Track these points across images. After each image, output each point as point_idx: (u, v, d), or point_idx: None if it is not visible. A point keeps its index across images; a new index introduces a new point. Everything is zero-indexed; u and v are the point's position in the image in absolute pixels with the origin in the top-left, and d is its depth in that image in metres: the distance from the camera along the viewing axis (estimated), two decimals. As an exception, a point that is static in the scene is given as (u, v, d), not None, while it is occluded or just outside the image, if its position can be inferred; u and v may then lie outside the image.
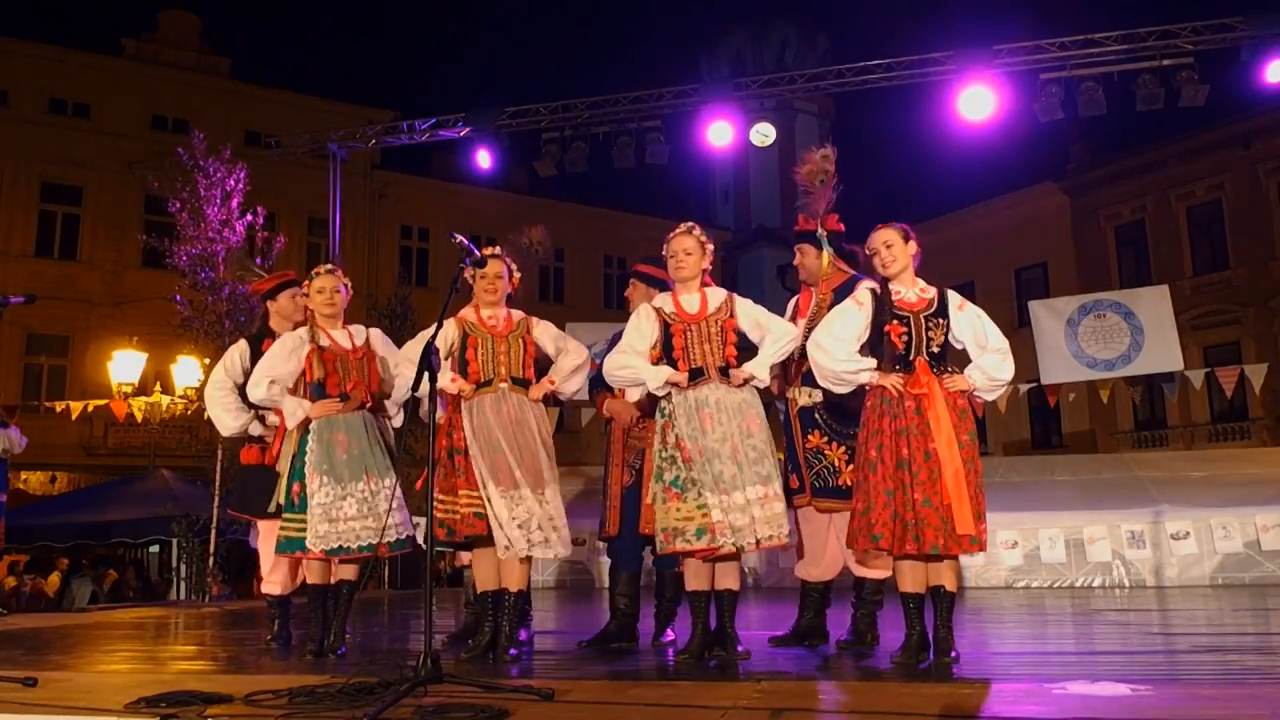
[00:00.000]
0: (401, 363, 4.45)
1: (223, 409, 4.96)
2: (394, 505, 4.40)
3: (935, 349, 3.81)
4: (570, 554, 4.45)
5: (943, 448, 3.65)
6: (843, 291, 4.27)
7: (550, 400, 4.53)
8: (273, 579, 4.97)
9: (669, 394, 3.99)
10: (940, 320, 3.84)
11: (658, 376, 3.98)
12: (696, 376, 3.96)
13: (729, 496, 3.84)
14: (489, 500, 4.09)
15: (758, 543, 3.85)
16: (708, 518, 3.82)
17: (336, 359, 4.54)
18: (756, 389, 4.06)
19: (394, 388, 4.62)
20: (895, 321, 3.82)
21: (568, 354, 4.38)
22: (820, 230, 4.46)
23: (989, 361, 3.84)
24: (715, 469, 3.85)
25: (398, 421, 4.72)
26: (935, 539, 3.59)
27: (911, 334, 3.80)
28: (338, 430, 4.45)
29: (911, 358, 3.78)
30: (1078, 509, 10.19)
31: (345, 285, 4.71)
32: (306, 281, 4.71)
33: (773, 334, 4.04)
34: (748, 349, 4.11)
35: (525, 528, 4.08)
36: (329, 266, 4.75)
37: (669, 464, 3.92)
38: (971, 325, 3.88)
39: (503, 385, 4.23)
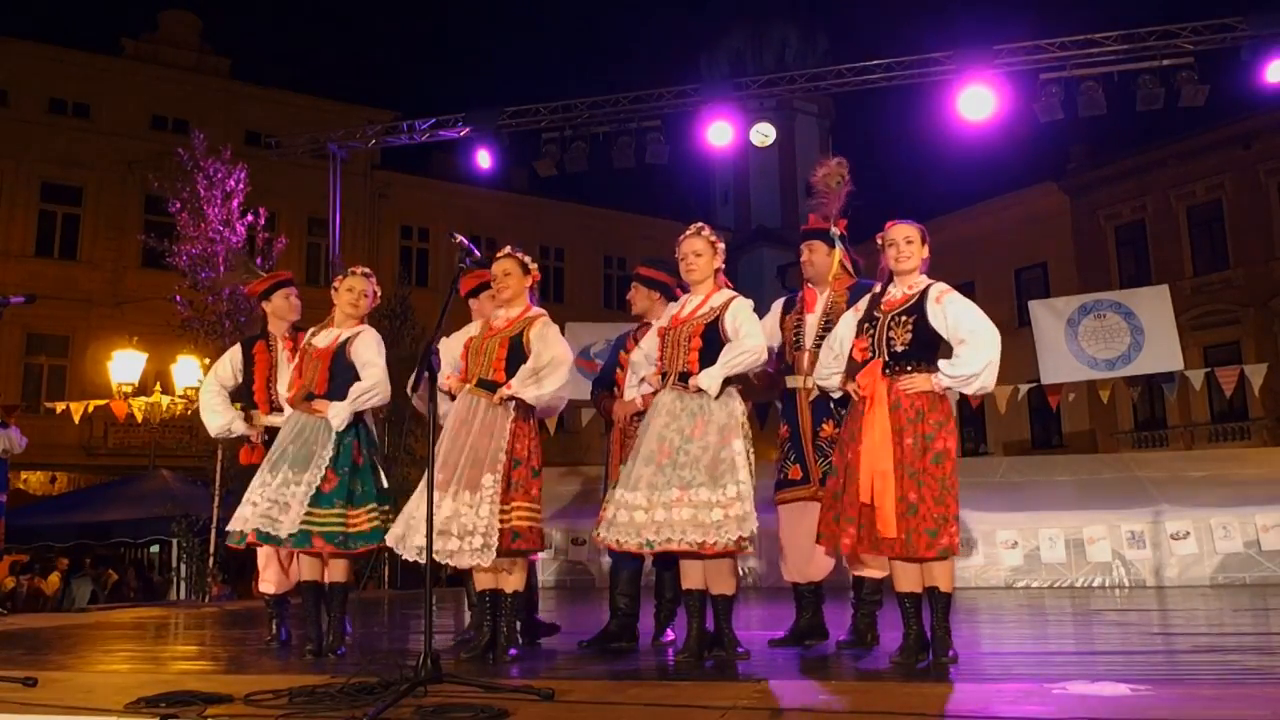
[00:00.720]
0: (371, 368, 4.52)
1: (210, 410, 5.13)
2: (296, 503, 4.38)
3: (899, 348, 3.75)
4: (463, 565, 4.07)
5: (870, 449, 3.65)
6: (857, 292, 4.30)
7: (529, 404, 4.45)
8: (266, 577, 5.03)
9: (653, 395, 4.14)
10: (906, 318, 3.78)
11: (636, 375, 4.19)
12: (665, 380, 4.06)
13: (625, 493, 3.91)
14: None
15: (655, 545, 3.80)
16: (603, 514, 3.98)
17: (306, 358, 4.64)
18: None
19: (363, 391, 4.53)
20: (864, 331, 3.85)
21: (534, 356, 4.20)
22: (833, 230, 4.50)
23: (956, 356, 3.73)
24: (628, 468, 3.97)
25: (336, 424, 4.46)
26: (853, 544, 3.74)
27: (873, 340, 3.82)
28: (286, 427, 4.61)
29: (872, 359, 3.79)
30: (1078, 509, 10.18)
31: (376, 291, 4.78)
32: (340, 278, 4.76)
33: (731, 346, 3.95)
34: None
35: (412, 527, 4.01)
36: (365, 270, 4.82)
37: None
38: (945, 316, 3.75)
39: (467, 386, 4.26)
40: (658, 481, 3.85)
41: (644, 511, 3.83)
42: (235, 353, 5.19)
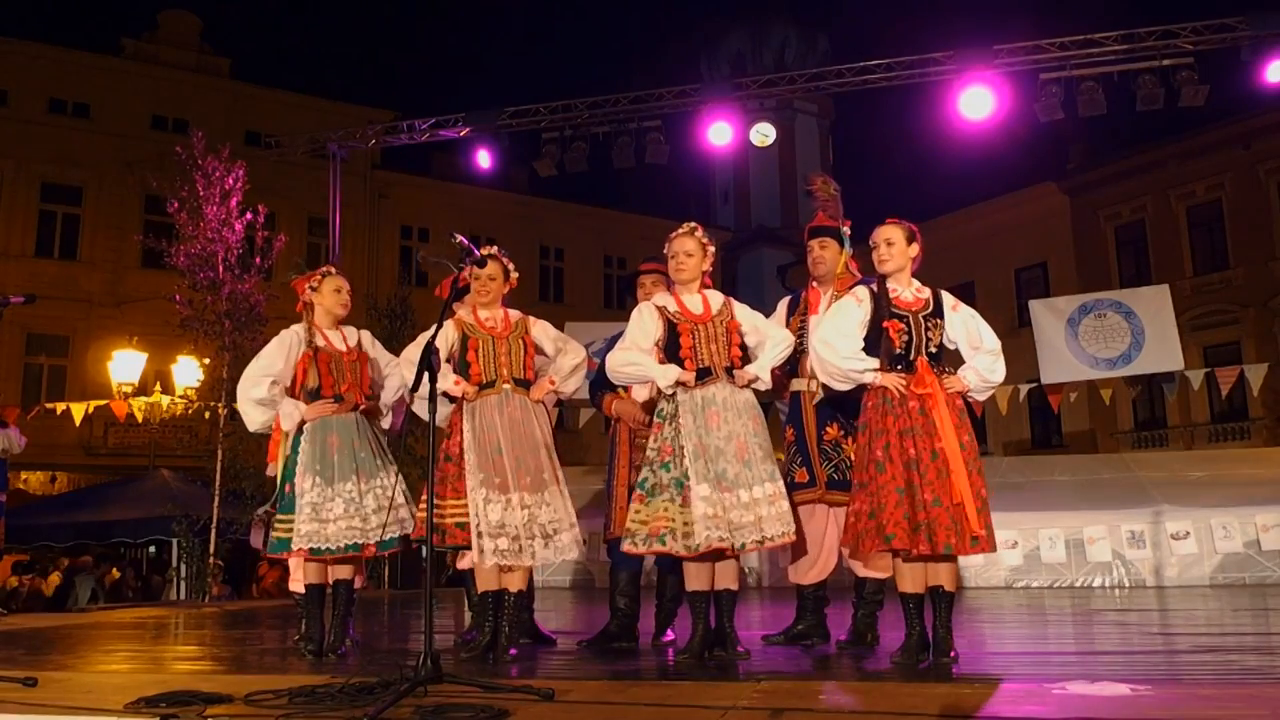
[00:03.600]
0: (398, 363, 4.52)
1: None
2: (388, 504, 4.43)
3: (933, 349, 3.82)
4: (576, 557, 4.33)
5: (949, 447, 3.65)
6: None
7: (552, 399, 4.55)
8: (297, 576, 4.99)
9: (672, 393, 3.99)
10: (937, 320, 3.86)
11: (667, 375, 3.99)
12: (704, 376, 3.98)
13: (732, 494, 3.85)
14: (475, 505, 4.07)
15: (763, 541, 3.88)
16: (669, 523, 3.84)
17: (331, 360, 4.56)
18: (755, 390, 4.10)
19: (386, 389, 4.72)
20: (895, 319, 3.81)
21: (566, 353, 4.41)
22: (844, 229, 4.55)
23: (983, 363, 3.87)
24: (719, 467, 3.87)
25: (386, 423, 4.72)
26: (948, 539, 3.58)
27: (911, 333, 3.80)
28: (330, 432, 4.47)
29: (912, 357, 3.78)
30: (1078, 509, 10.18)
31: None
32: (317, 277, 4.71)
33: (772, 339, 4.14)
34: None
35: (500, 536, 4.04)
36: (334, 268, 4.80)
37: (646, 466, 3.99)
38: (965, 325, 3.91)
39: (505, 386, 4.23)
40: (746, 478, 3.89)
41: (759, 507, 3.88)
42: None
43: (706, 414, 3.94)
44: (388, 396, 4.74)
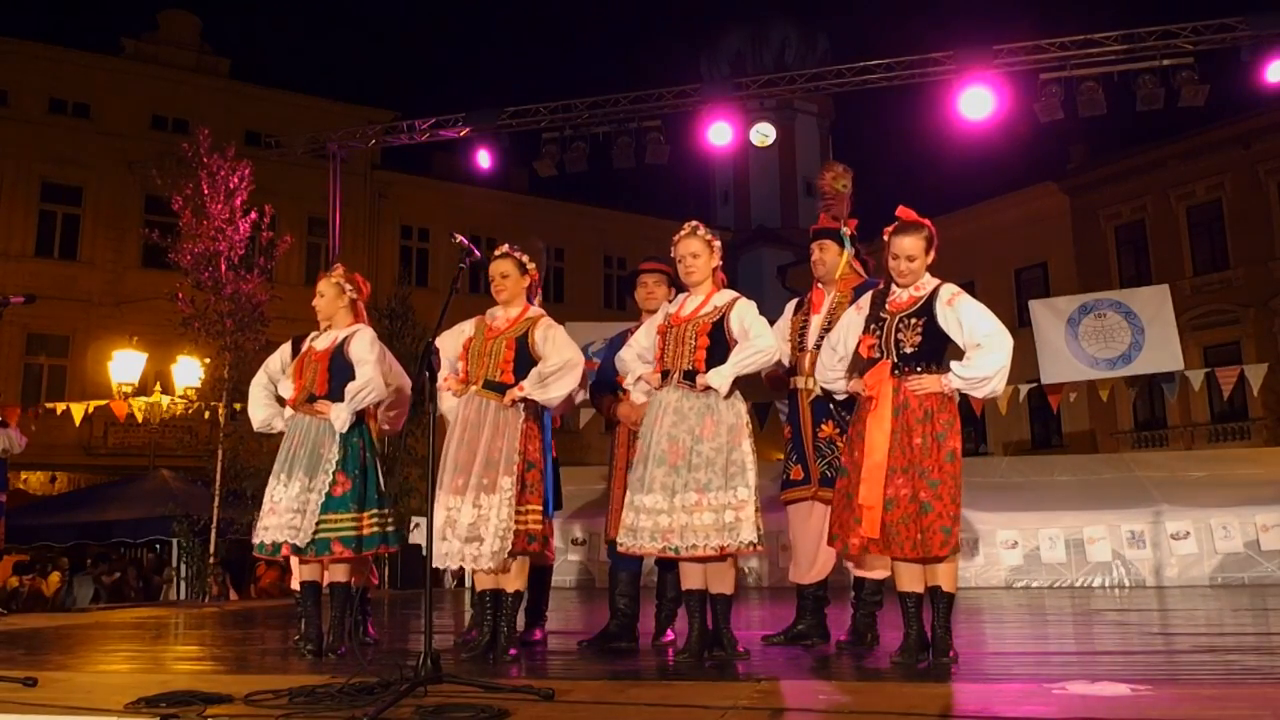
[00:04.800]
0: (370, 363, 4.47)
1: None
2: (302, 508, 4.38)
3: (908, 350, 3.73)
4: (489, 568, 4.03)
5: (871, 448, 3.66)
6: (862, 291, 4.29)
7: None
8: (297, 575, 5.03)
9: (649, 394, 4.09)
10: (915, 320, 3.75)
11: (632, 375, 4.12)
12: (666, 378, 4.02)
13: (641, 497, 3.87)
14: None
15: (665, 550, 3.83)
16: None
17: (302, 362, 4.64)
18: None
19: (347, 391, 4.47)
20: (871, 330, 3.83)
21: (546, 359, 4.17)
22: (844, 229, 4.53)
23: (969, 359, 3.70)
24: (639, 472, 3.93)
25: (339, 425, 4.43)
26: (861, 543, 3.69)
27: (881, 340, 3.79)
28: (287, 430, 4.60)
29: (880, 359, 3.78)
30: (1078, 509, 10.18)
31: (345, 285, 4.70)
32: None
33: (742, 345, 3.94)
34: None
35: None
36: (338, 270, 4.81)
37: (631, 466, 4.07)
38: (958, 320, 3.72)
39: (473, 388, 4.22)
40: (673, 484, 3.83)
41: (666, 515, 3.82)
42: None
43: (653, 417, 3.98)
44: (349, 397, 4.47)
